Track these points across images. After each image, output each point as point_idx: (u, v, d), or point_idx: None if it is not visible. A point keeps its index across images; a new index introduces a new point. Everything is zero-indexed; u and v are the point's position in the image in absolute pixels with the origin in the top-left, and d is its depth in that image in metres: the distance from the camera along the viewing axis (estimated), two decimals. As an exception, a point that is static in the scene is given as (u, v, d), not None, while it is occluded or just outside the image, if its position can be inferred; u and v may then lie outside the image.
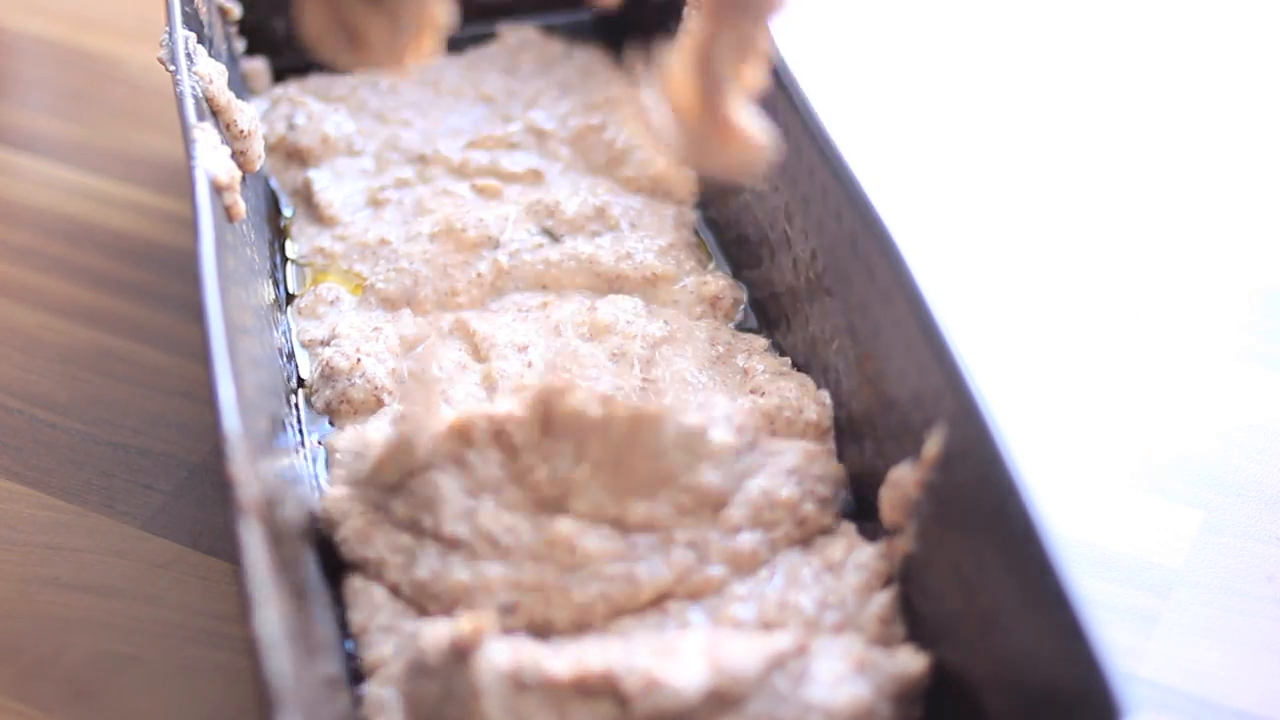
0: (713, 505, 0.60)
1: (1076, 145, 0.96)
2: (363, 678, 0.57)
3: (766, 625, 0.57)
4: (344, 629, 0.59)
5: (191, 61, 0.71)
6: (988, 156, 0.95)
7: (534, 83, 0.92)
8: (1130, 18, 1.08)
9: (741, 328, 0.75)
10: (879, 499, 0.60)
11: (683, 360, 0.70)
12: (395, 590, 0.59)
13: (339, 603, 0.60)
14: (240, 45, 0.91)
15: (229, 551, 0.67)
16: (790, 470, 0.62)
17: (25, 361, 0.78)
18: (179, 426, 0.74)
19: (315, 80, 0.92)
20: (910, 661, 0.55)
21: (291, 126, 0.86)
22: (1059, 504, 0.69)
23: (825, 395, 0.67)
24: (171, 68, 0.70)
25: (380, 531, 0.60)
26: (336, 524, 0.61)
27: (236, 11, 0.88)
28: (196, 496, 0.71)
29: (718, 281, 0.75)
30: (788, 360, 0.71)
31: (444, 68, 0.93)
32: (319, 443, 0.68)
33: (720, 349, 0.72)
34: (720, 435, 0.62)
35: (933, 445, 0.57)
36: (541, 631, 0.57)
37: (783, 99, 0.71)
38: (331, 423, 0.69)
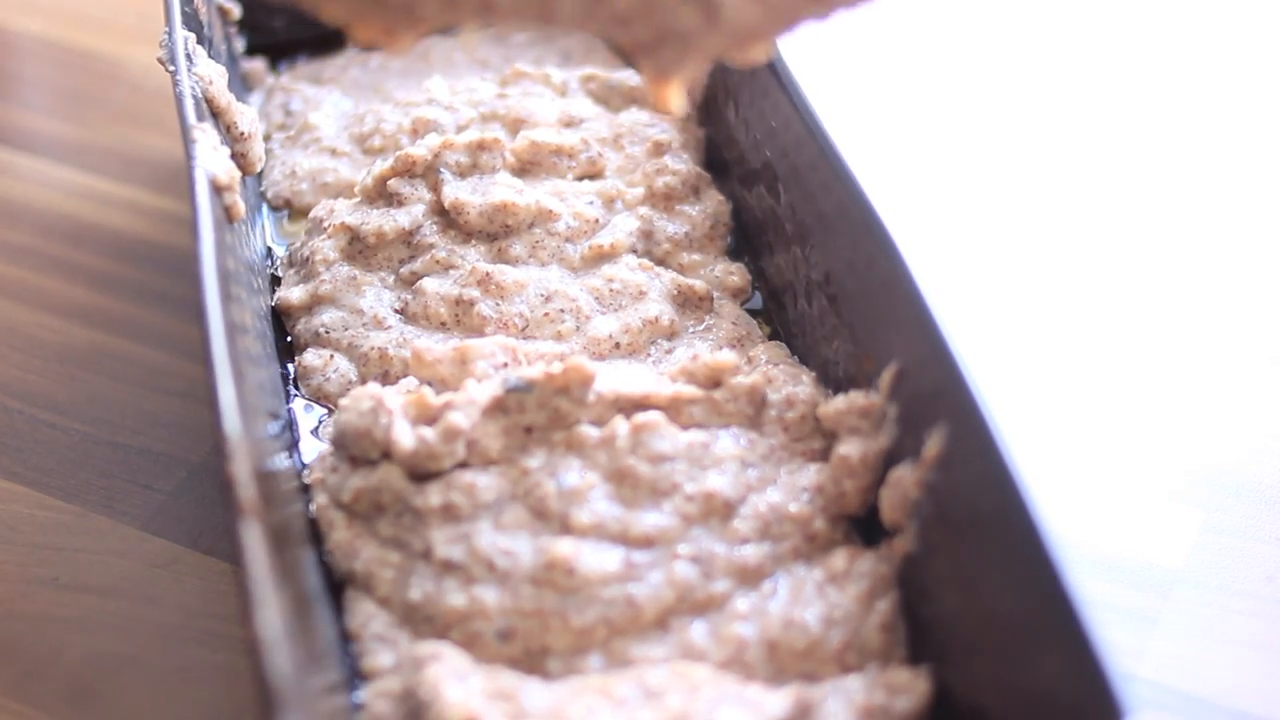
0: (720, 515, 0.60)
1: (1086, 141, 0.96)
2: (359, 683, 0.57)
3: (772, 647, 0.57)
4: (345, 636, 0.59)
5: (191, 62, 0.71)
6: (992, 152, 0.95)
7: (532, 51, 0.92)
8: (1142, 12, 1.08)
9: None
10: (879, 500, 0.60)
11: (703, 344, 0.70)
12: (387, 604, 0.59)
13: (341, 609, 0.60)
14: (240, 45, 0.91)
15: (229, 552, 0.67)
16: (805, 488, 0.62)
17: (24, 361, 0.78)
18: (178, 426, 0.74)
19: (305, 66, 0.92)
20: (914, 689, 0.54)
21: (289, 113, 0.87)
22: (1059, 504, 0.69)
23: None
24: (171, 68, 0.70)
25: (367, 546, 0.60)
26: (324, 534, 0.61)
27: (236, 12, 0.88)
28: (196, 496, 0.71)
29: (744, 275, 0.75)
30: (787, 350, 0.71)
31: (431, 44, 0.93)
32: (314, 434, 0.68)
33: (742, 330, 0.72)
34: (725, 447, 0.62)
35: (933, 445, 0.57)
36: (538, 657, 0.56)
37: (784, 97, 0.71)
38: (328, 411, 0.69)
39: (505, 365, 0.66)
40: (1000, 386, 0.66)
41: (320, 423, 0.68)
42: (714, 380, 0.64)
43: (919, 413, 0.59)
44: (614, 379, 0.63)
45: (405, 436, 0.60)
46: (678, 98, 0.51)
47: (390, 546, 0.60)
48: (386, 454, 0.61)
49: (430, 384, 0.65)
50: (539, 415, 0.62)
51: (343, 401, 0.64)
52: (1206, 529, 0.69)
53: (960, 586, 0.55)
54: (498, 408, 0.61)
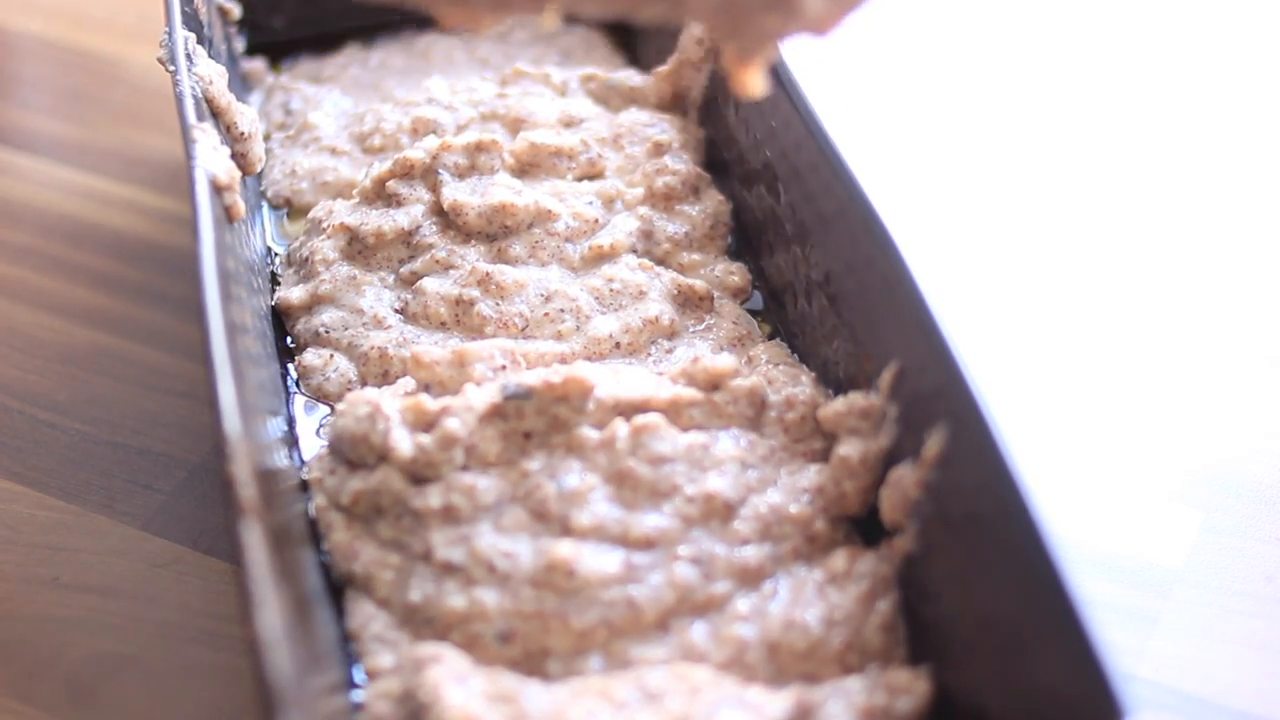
0: (720, 516, 0.60)
1: (1086, 142, 0.96)
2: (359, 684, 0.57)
3: (772, 648, 0.57)
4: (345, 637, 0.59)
5: (191, 62, 0.71)
6: (992, 152, 0.95)
7: (532, 50, 0.92)
8: (1142, 13, 1.08)
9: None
10: (879, 500, 0.60)
11: (704, 343, 0.70)
12: (387, 605, 0.58)
13: (341, 610, 0.60)
14: (240, 45, 0.91)
15: (229, 552, 0.67)
16: (805, 489, 0.62)
17: (24, 361, 0.78)
18: (179, 426, 0.74)
19: (305, 65, 0.92)
20: (914, 690, 0.54)
21: (289, 113, 0.87)
22: (1059, 504, 0.69)
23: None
24: (171, 68, 0.70)
25: (366, 547, 0.60)
26: (323, 535, 0.61)
27: (236, 11, 0.88)
28: (196, 496, 0.71)
29: (744, 275, 0.75)
30: (788, 349, 0.71)
31: (432, 41, 0.93)
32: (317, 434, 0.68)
33: (742, 329, 0.72)
34: (725, 448, 0.62)
35: (933, 445, 0.57)
36: (538, 658, 0.56)
37: (783, 97, 0.71)
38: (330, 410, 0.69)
39: (504, 368, 0.66)
40: (1000, 386, 0.66)
41: (321, 423, 0.68)
42: (713, 383, 0.64)
43: (919, 413, 0.59)
44: (613, 385, 0.63)
45: (403, 443, 0.61)
46: (759, 80, 0.51)
47: (390, 548, 0.60)
48: (384, 457, 0.61)
49: (429, 386, 0.65)
50: (538, 422, 0.61)
51: (340, 406, 0.64)
52: (1206, 529, 0.69)
53: (960, 586, 0.55)
54: (495, 414, 0.61)
